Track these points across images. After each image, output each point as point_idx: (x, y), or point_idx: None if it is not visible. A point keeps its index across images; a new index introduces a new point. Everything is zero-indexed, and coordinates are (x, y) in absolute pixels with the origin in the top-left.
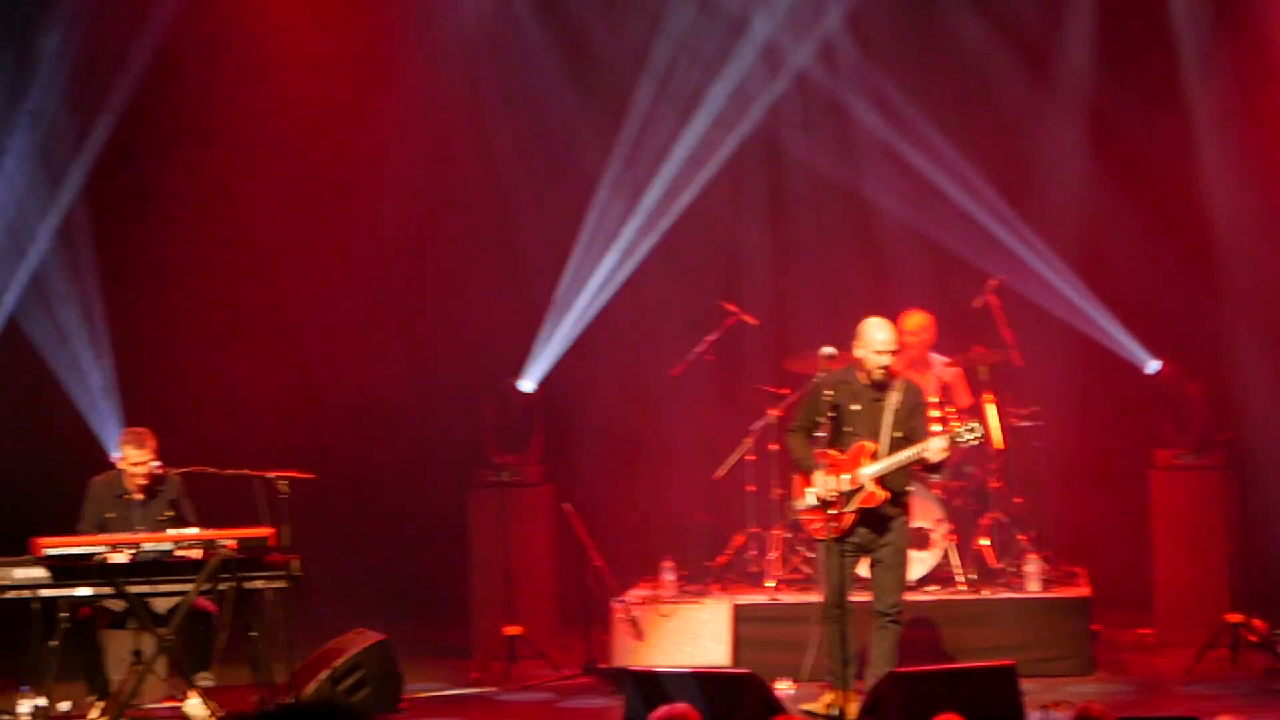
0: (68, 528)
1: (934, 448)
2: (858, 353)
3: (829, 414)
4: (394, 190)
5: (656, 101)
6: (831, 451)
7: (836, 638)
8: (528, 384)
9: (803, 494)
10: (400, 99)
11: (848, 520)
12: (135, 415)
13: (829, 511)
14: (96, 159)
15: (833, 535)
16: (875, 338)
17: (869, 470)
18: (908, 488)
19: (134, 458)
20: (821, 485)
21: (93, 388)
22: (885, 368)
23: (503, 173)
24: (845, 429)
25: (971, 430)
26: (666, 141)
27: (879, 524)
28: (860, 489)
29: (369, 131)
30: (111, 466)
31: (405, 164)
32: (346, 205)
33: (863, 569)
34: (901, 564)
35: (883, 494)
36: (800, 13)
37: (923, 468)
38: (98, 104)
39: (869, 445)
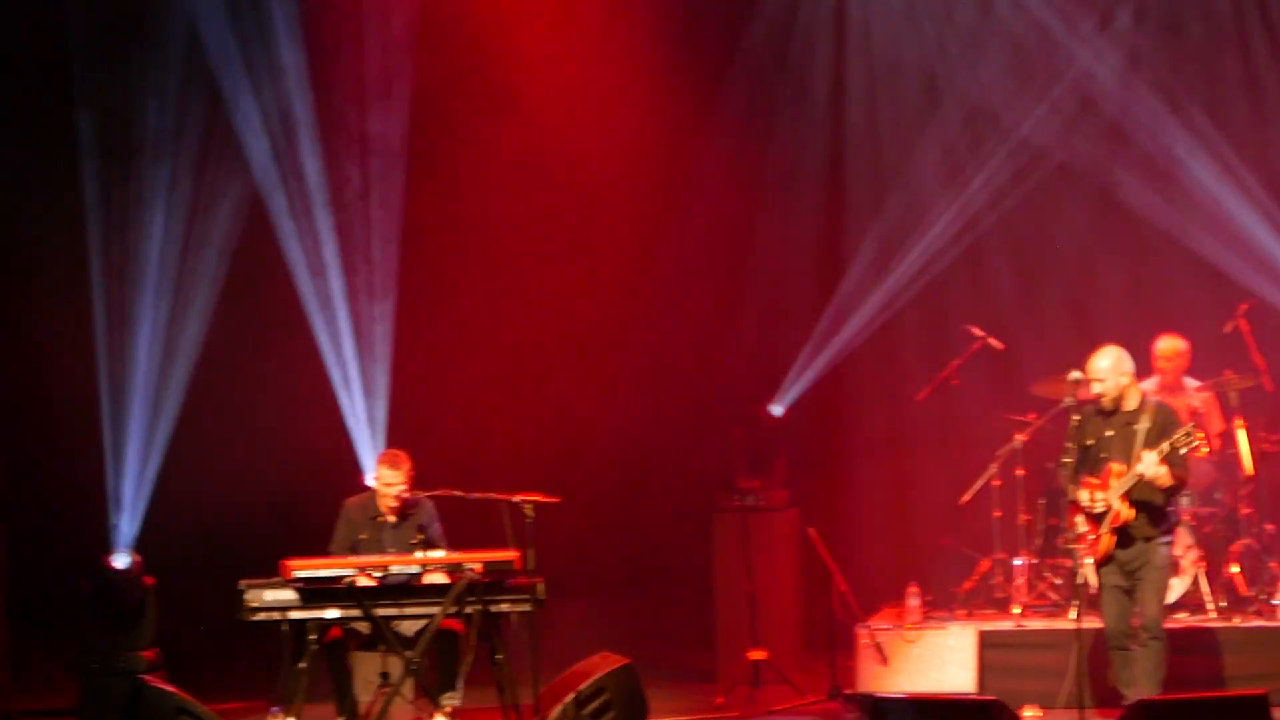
0: (320, 548)
1: (1146, 462)
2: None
3: (1085, 440)
4: (649, 217)
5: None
6: (1088, 478)
7: (1120, 663)
8: (777, 408)
9: (1073, 524)
10: (657, 124)
11: (1107, 543)
12: (391, 438)
13: (1089, 536)
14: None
15: (1095, 558)
16: (1088, 365)
17: (1113, 490)
18: (1168, 508)
19: (388, 479)
20: (1085, 506)
21: (354, 409)
22: (1103, 394)
23: (761, 202)
24: (1100, 454)
25: (1188, 435)
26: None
27: (1137, 544)
28: (1109, 510)
29: (623, 157)
30: (365, 488)
31: (661, 190)
32: (599, 231)
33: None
34: (1161, 584)
35: (1129, 512)
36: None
37: (1167, 489)
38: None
39: (1116, 467)
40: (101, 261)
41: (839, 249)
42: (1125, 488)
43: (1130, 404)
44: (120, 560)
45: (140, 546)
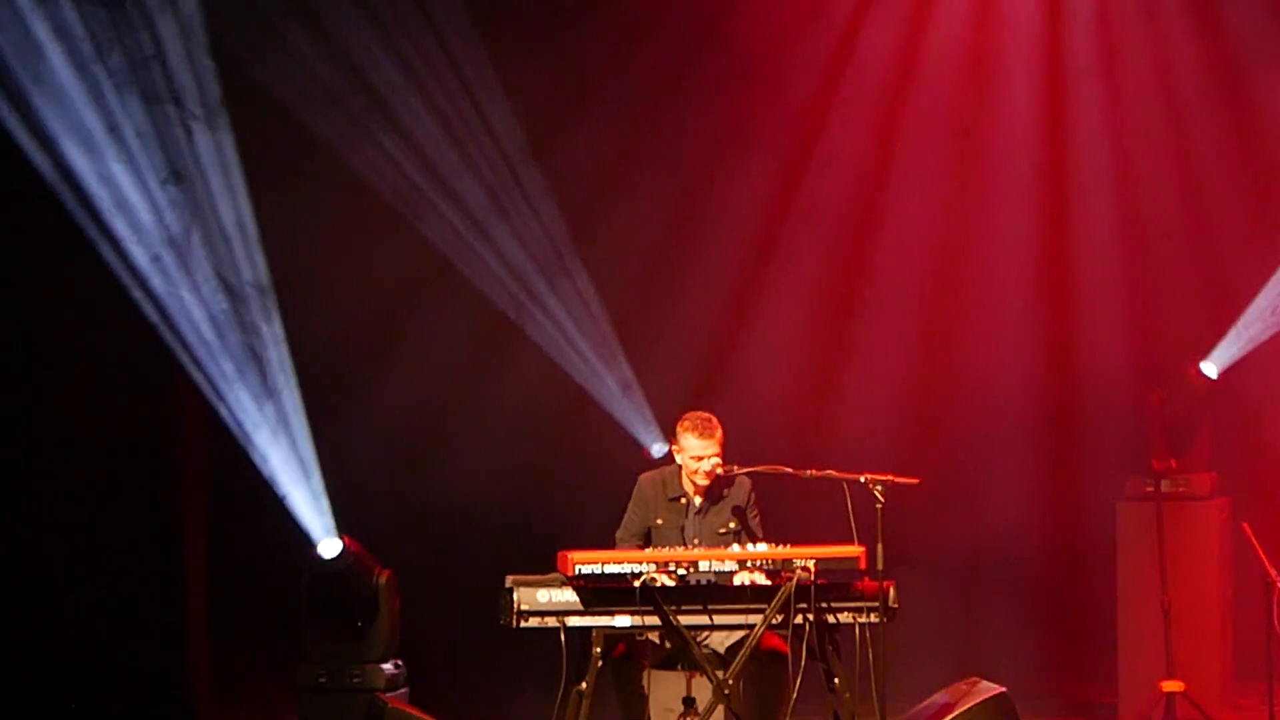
0: (605, 539)
1: None
2: None
3: None
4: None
5: None
6: None
7: None
8: (1211, 368)
9: None
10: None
11: None
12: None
13: None
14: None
15: None
16: None
17: None
18: None
19: (696, 449)
20: None
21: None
22: None
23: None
24: None
25: None
26: None
27: None
28: None
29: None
30: (664, 462)
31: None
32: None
33: None
34: None
35: None
36: None
37: None
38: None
39: None
40: None
41: None
42: None
43: None
44: (327, 548)
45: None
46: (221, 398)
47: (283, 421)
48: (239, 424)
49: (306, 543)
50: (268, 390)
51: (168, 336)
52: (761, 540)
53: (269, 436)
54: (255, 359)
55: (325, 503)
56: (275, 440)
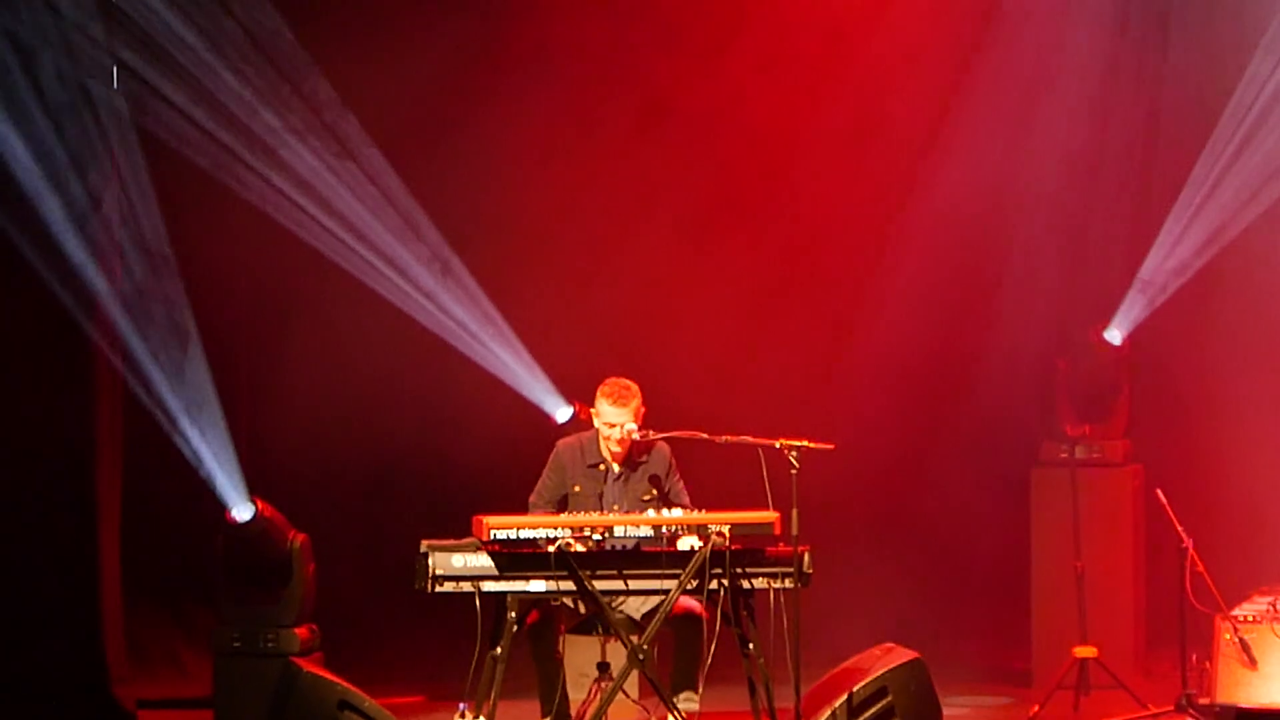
0: (521, 504)
1: None
2: None
3: None
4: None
5: None
6: None
7: None
8: (1115, 334)
9: None
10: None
11: None
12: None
13: None
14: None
15: None
16: None
17: None
18: None
19: (612, 416)
20: None
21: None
22: None
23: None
24: None
25: None
26: None
27: None
28: None
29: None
30: (580, 427)
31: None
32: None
33: None
34: None
35: None
36: None
37: None
38: None
39: None
40: None
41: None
42: None
43: None
44: (240, 511)
45: (277, 500)
46: (133, 364)
47: (196, 386)
48: (151, 389)
49: (220, 506)
50: (180, 356)
51: (76, 310)
52: (683, 505)
53: (181, 403)
54: (166, 326)
55: (237, 467)
56: (187, 405)
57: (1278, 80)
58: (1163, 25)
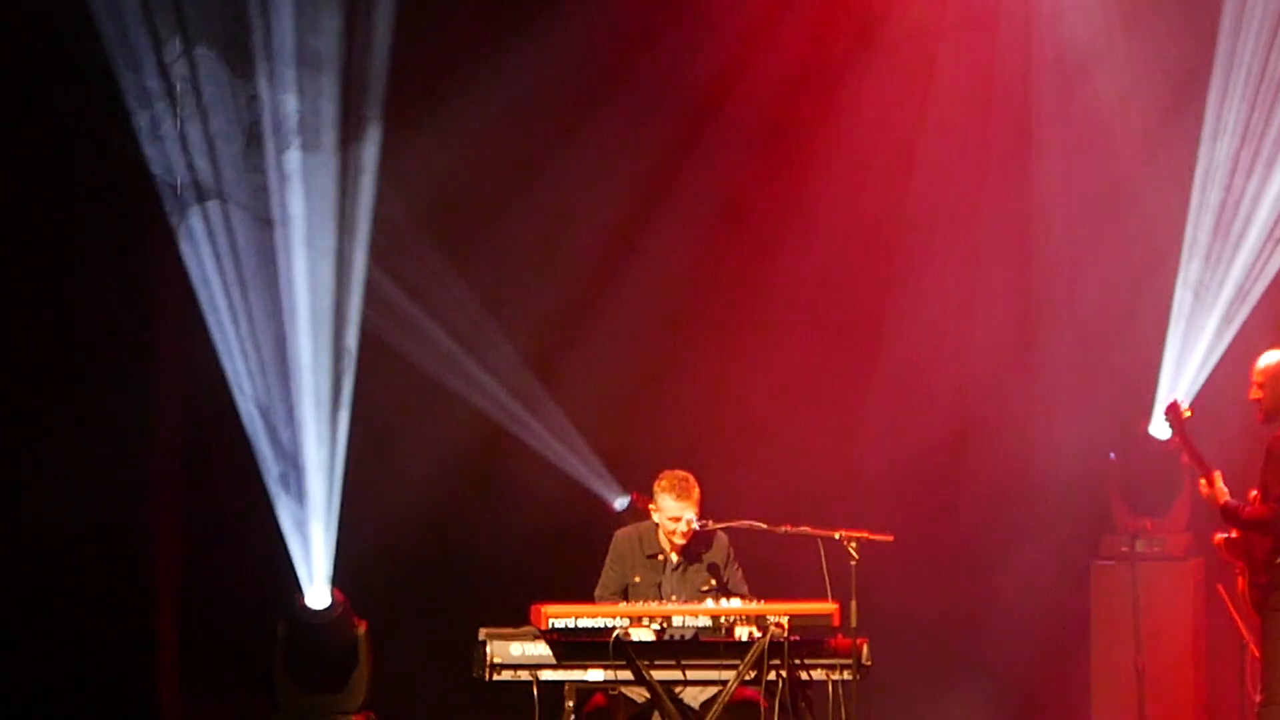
0: (579, 592)
1: None
2: None
3: None
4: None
5: None
6: None
7: None
8: (1159, 428)
9: None
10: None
11: None
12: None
13: None
14: None
15: None
16: None
17: None
18: None
19: (674, 510)
20: None
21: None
22: None
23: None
24: None
25: None
26: None
27: None
28: None
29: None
30: (640, 516)
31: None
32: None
33: None
34: None
35: None
36: None
37: None
38: None
39: None
40: None
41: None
42: None
43: None
44: (316, 598)
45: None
46: None
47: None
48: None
49: (289, 589)
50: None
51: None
52: (742, 595)
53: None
54: None
55: (328, 551)
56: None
57: None
58: None
